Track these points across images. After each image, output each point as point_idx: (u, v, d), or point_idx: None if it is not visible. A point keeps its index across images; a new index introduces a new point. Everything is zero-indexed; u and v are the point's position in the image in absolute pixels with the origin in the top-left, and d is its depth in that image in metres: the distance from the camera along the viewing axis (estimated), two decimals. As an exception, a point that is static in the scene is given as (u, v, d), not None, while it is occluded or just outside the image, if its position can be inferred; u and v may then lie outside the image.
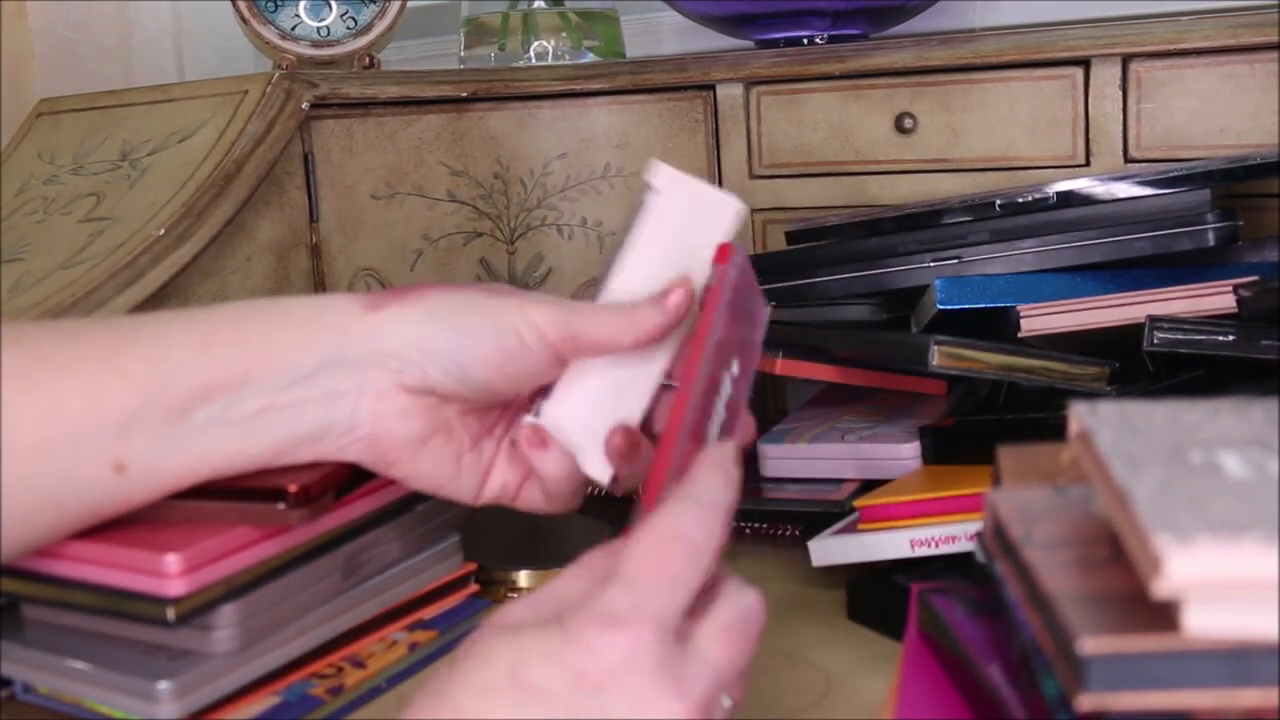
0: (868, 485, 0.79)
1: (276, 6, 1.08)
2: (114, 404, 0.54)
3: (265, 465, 0.57)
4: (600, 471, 0.59)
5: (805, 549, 0.73)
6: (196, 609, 0.57)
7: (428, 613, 0.70)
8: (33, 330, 0.56)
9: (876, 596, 0.69)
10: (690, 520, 0.46)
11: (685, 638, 0.44)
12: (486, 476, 0.60)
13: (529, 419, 0.59)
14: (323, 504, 0.59)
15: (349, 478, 0.61)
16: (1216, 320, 0.70)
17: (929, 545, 0.68)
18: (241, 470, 0.57)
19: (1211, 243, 0.79)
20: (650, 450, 0.59)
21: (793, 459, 0.84)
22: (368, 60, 1.08)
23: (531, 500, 0.61)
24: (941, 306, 0.80)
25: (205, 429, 0.55)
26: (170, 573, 0.56)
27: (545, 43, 1.17)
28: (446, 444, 0.58)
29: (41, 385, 0.53)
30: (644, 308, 0.58)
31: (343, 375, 0.56)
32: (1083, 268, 0.81)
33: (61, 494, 0.54)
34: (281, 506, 0.57)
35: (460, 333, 0.56)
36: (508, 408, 0.61)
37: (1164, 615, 0.37)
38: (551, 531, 0.83)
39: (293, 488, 0.57)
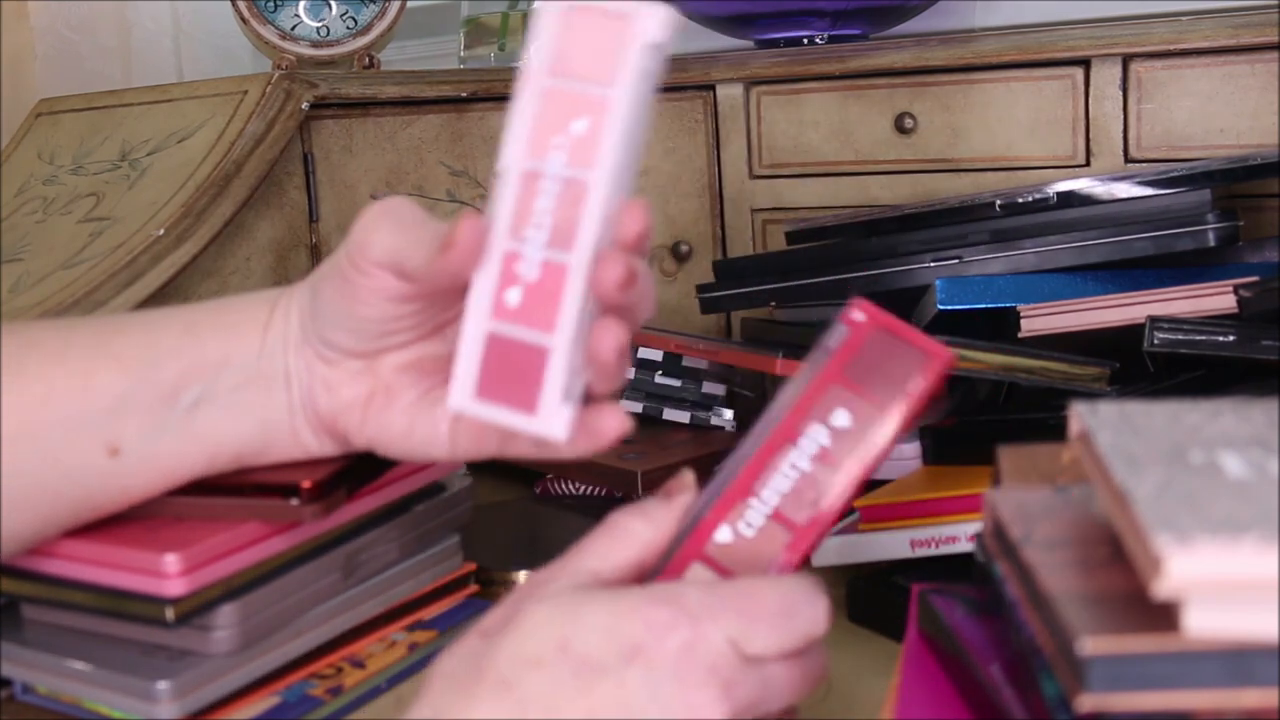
0: (868, 485, 0.79)
1: (276, 6, 1.08)
2: (105, 387, 0.55)
3: (256, 450, 0.57)
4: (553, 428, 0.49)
5: (805, 549, 0.73)
6: (196, 609, 0.57)
7: (428, 613, 0.69)
8: (27, 324, 0.57)
9: (876, 596, 0.69)
10: (808, 599, 0.44)
11: (756, 662, 0.44)
12: (454, 429, 0.55)
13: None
14: (335, 499, 0.59)
15: (360, 475, 0.61)
16: (1217, 320, 0.70)
17: (929, 545, 0.68)
18: (235, 454, 0.57)
19: (1212, 243, 0.79)
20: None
21: (793, 459, 0.84)
22: (368, 60, 1.08)
23: (520, 448, 0.54)
24: (942, 307, 0.80)
25: (194, 410, 0.55)
26: (169, 573, 0.56)
27: (545, 43, 1.17)
28: (388, 403, 0.55)
29: (34, 371, 0.54)
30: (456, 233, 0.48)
31: (288, 353, 0.56)
32: (1083, 268, 0.81)
33: (54, 479, 0.55)
34: (295, 502, 0.57)
35: (314, 294, 0.55)
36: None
37: (1164, 615, 0.37)
38: (551, 532, 0.83)
39: (306, 483, 0.57)
